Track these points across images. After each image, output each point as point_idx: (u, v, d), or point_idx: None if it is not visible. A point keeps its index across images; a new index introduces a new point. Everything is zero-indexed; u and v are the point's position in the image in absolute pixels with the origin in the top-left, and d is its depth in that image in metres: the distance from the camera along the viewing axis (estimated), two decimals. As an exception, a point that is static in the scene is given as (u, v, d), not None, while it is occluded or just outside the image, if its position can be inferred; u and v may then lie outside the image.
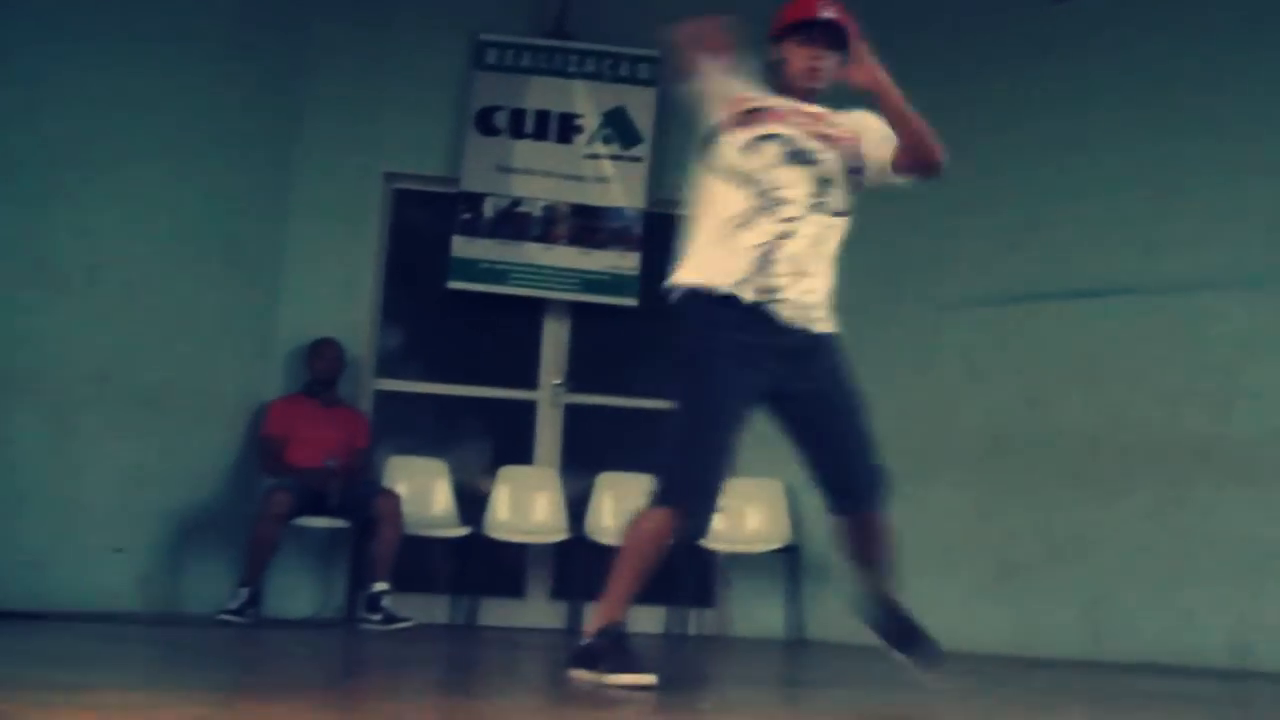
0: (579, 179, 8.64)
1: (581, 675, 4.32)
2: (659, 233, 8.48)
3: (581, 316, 8.77)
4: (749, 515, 8.31)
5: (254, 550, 7.30)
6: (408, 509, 7.67)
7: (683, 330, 4.37)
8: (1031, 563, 7.73)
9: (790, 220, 4.31)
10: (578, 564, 8.14)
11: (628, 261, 8.54)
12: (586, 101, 8.71)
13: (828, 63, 4.44)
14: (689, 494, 4.35)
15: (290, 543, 7.56)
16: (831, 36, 4.43)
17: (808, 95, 4.47)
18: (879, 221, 8.38)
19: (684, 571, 8.07)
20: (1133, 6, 7.92)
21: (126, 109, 7.59)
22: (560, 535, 8.20)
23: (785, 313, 4.30)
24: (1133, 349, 7.67)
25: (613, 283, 8.54)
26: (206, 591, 7.52)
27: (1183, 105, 7.71)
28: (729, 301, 4.29)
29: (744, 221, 4.30)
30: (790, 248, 4.30)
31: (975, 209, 8.20)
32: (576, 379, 8.73)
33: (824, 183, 4.38)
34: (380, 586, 7.38)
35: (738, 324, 4.28)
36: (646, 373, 8.87)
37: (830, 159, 4.40)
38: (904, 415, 8.10)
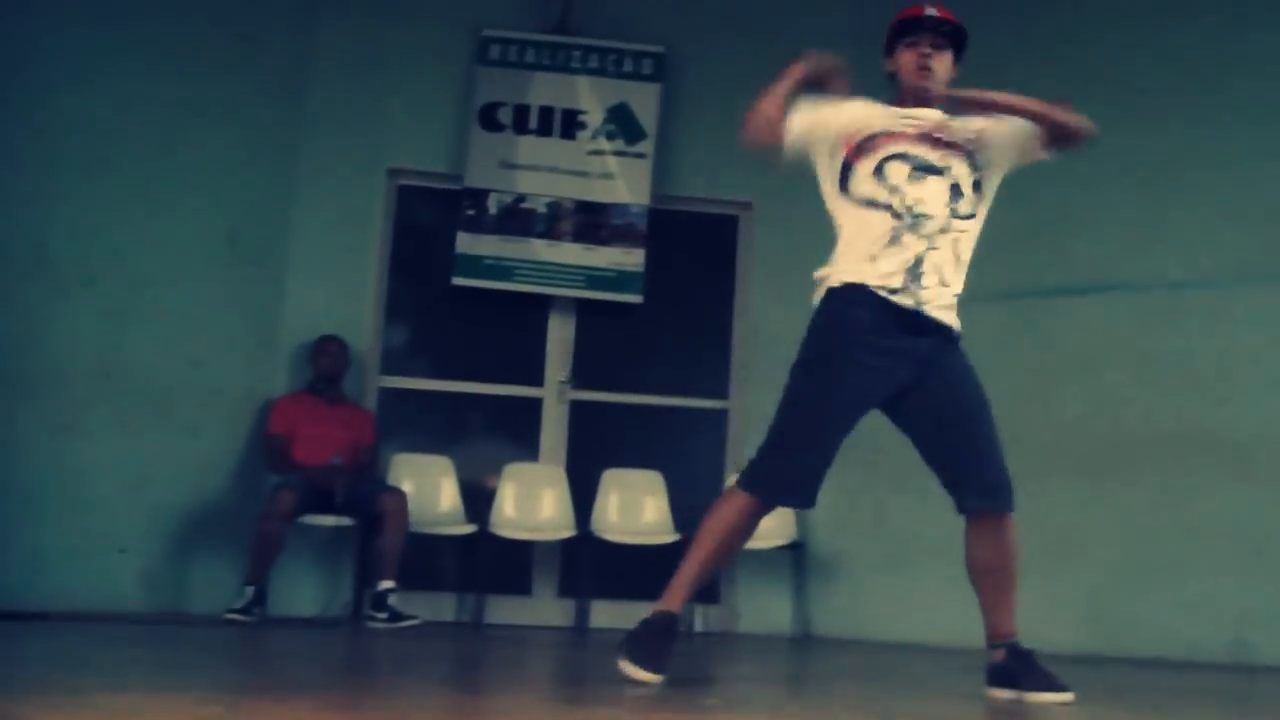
0: (583, 175, 8.63)
1: (624, 664, 4.31)
2: (663, 229, 8.50)
3: (586, 313, 8.76)
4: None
5: (259, 549, 7.29)
6: (413, 506, 7.67)
7: (818, 327, 4.41)
8: (1032, 557, 7.62)
9: (933, 234, 4.35)
10: (584, 561, 8.14)
11: (632, 258, 8.53)
12: (590, 97, 8.70)
13: (937, 60, 4.47)
14: (777, 489, 4.40)
15: (296, 541, 7.55)
16: (938, 33, 4.48)
17: (923, 99, 4.49)
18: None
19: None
20: (1133, 3, 7.89)
21: (128, 106, 7.61)
22: (567, 532, 8.20)
23: (929, 320, 4.35)
24: (1133, 344, 7.67)
25: (618, 279, 8.53)
26: (212, 591, 7.51)
27: (1182, 100, 7.71)
28: (874, 303, 4.32)
29: (892, 239, 4.33)
30: (934, 258, 4.35)
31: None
32: (582, 376, 8.72)
33: (955, 190, 4.42)
34: (386, 584, 7.38)
35: (875, 327, 4.31)
36: (652, 369, 8.87)
37: (955, 165, 4.44)
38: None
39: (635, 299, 8.54)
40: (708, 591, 8.41)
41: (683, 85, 8.72)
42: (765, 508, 4.43)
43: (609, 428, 8.80)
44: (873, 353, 4.31)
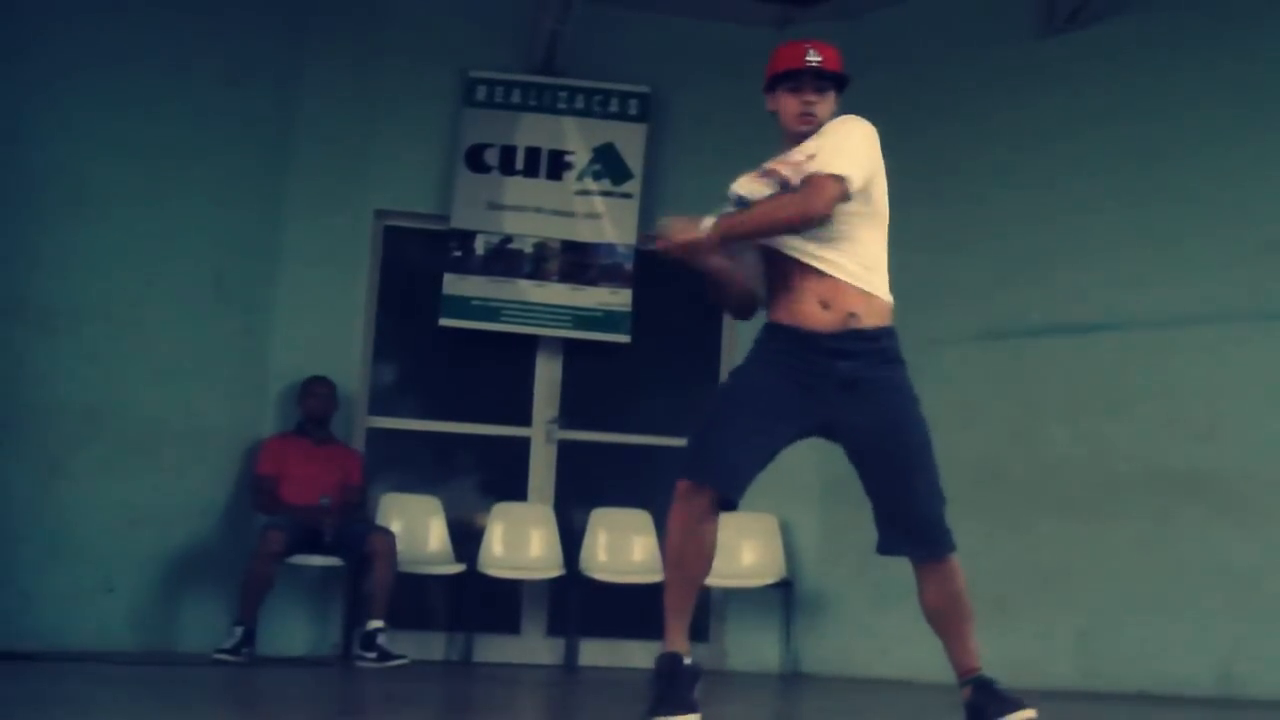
0: (570, 215, 8.66)
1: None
2: (650, 268, 8.52)
3: (574, 353, 8.79)
4: (744, 550, 8.32)
5: (248, 589, 7.28)
6: (402, 546, 7.67)
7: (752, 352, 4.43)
8: (1021, 594, 7.72)
9: (804, 267, 4.30)
10: (573, 600, 8.14)
11: (619, 298, 8.55)
12: (576, 138, 8.74)
13: (820, 106, 4.42)
14: (693, 468, 4.28)
15: (285, 581, 7.55)
16: (821, 79, 4.43)
17: (803, 138, 4.43)
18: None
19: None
20: (1118, 40, 7.95)
21: (116, 147, 7.64)
22: (555, 571, 8.20)
23: (839, 344, 4.30)
24: (1119, 383, 7.69)
25: (605, 319, 8.56)
26: (200, 630, 7.51)
27: (1168, 139, 7.74)
28: (788, 334, 4.32)
29: (772, 275, 4.37)
30: (815, 287, 4.30)
31: (965, 245, 8.24)
32: (569, 415, 8.74)
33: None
34: (375, 624, 7.37)
35: (789, 350, 4.31)
36: (640, 409, 8.89)
37: (763, 194, 4.39)
38: (896, 448, 8.13)
39: (622, 339, 8.56)
40: (697, 629, 8.39)
41: (669, 125, 8.77)
42: (692, 495, 4.25)
43: (597, 467, 8.81)
44: (787, 368, 4.30)
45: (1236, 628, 7.11)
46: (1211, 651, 7.14)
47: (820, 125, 4.40)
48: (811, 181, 4.20)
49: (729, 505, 4.30)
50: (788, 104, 4.43)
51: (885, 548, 4.40)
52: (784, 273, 4.33)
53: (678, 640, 4.36)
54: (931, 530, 4.32)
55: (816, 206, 4.18)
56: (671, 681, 4.26)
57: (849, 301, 4.31)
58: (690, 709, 4.24)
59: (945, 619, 4.42)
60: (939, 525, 4.33)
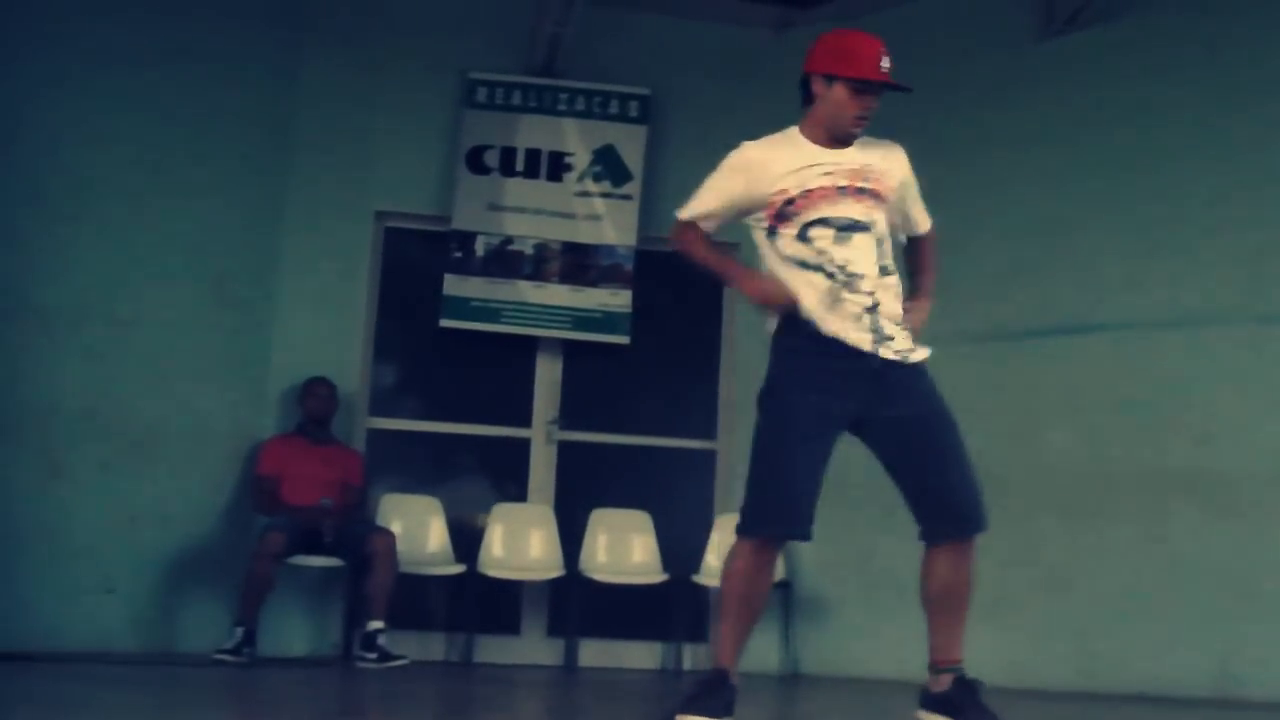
0: (570, 217, 8.67)
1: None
2: (650, 270, 8.53)
3: (574, 354, 8.80)
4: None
5: (249, 589, 7.29)
6: (402, 547, 7.68)
7: (770, 367, 4.43)
8: (1020, 595, 7.74)
9: (871, 291, 4.32)
10: (573, 600, 8.15)
11: (619, 299, 8.57)
12: (577, 139, 8.75)
13: (875, 110, 4.43)
14: (762, 522, 4.36)
15: (285, 582, 7.56)
16: (883, 88, 4.44)
17: (844, 140, 4.44)
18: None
19: (678, 607, 8.10)
20: (1116, 44, 7.97)
21: (115, 149, 7.65)
22: (555, 572, 8.21)
23: (892, 352, 4.35)
24: (1117, 384, 7.71)
25: (605, 320, 8.57)
26: (201, 631, 7.52)
27: (1166, 142, 7.76)
28: (823, 339, 4.31)
29: (832, 301, 4.31)
30: (880, 306, 4.34)
31: (963, 247, 8.21)
32: (570, 416, 8.75)
33: (879, 242, 4.39)
34: (376, 625, 7.37)
35: (822, 353, 4.31)
36: (640, 410, 8.91)
37: (879, 218, 4.40)
38: (895, 449, 8.15)
39: (623, 340, 8.57)
40: (696, 630, 8.43)
41: (669, 127, 8.78)
42: (764, 547, 4.38)
43: (597, 468, 8.82)
44: (815, 372, 4.31)
45: (1234, 628, 7.13)
46: (1209, 652, 7.16)
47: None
48: (933, 238, 4.81)
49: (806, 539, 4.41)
50: (847, 103, 4.39)
51: (933, 536, 4.43)
52: (860, 300, 4.32)
53: (731, 658, 4.44)
54: (976, 506, 4.40)
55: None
56: (713, 690, 4.34)
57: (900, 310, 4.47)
58: (725, 714, 4.31)
59: (952, 601, 4.47)
60: (979, 502, 4.41)
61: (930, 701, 4.42)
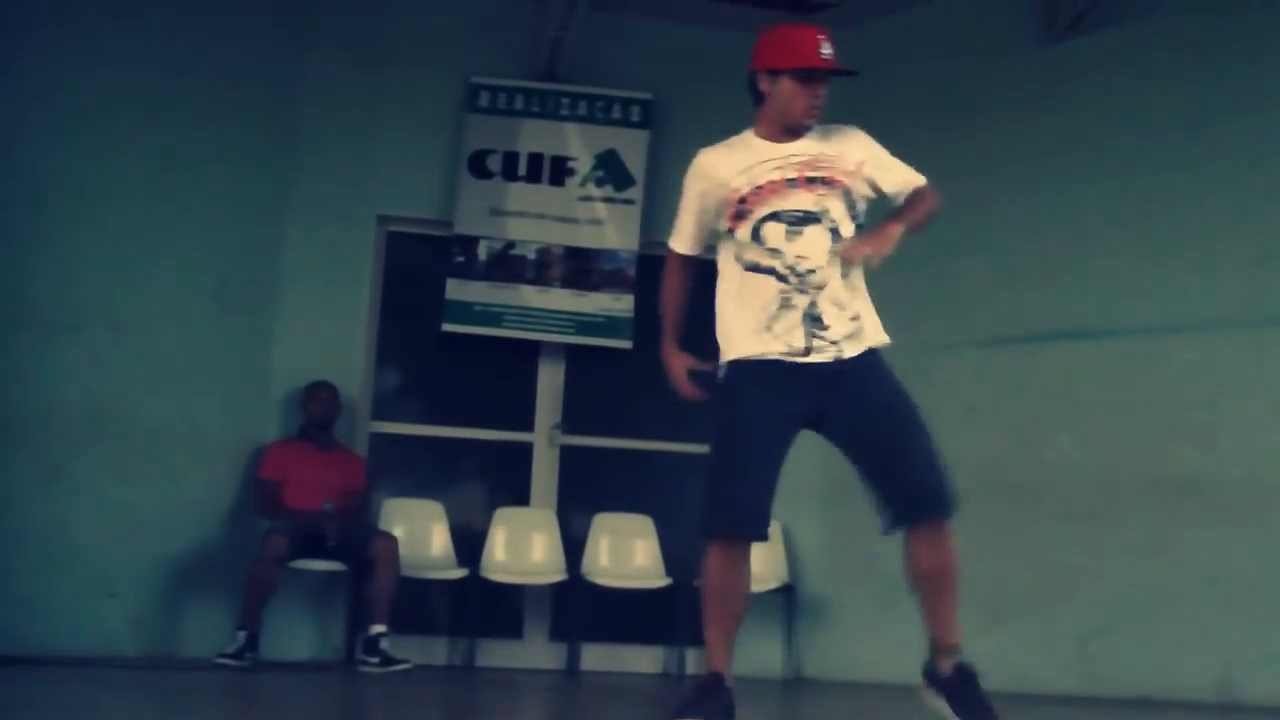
0: (572, 221, 8.68)
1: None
2: (653, 274, 8.50)
3: (576, 358, 8.80)
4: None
5: (251, 593, 7.29)
6: (405, 551, 7.68)
7: (719, 395, 4.49)
8: (1024, 599, 7.75)
9: (821, 285, 4.32)
10: (575, 605, 8.15)
11: (622, 303, 8.57)
12: (579, 144, 8.75)
13: (824, 98, 4.43)
14: (719, 525, 4.41)
15: (287, 586, 7.55)
16: (828, 74, 4.42)
17: (797, 131, 4.45)
18: (871, 264, 8.50)
19: (681, 611, 8.10)
20: (1119, 48, 7.97)
21: (116, 153, 7.66)
22: (558, 576, 8.21)
23: (831, 354, 4.34)
24: (1120, 388, 7.70)
25: (607, 325, 8.57)
26: (203, 635, 7.52)
27: (1168, 147, 7.76)
28: (770, 369, 4.36)
29: (783, 304, 4.34)
30: (825, 300, 4.33)
31: (966, 251, 8.24)
32: (572, 421, 8.75)
33: (834, 231, 4.36)
34: (378, 629, 7.38)
35: (772, 375, 4.35)
36: (642, 414, 8.90)
37: (833, 205, 4.38)
38: (898, 454, 8.14)
39: (625, 344, 8.57)
40: (698, 635, 8.39)
41: (671, 132, 8.77)
42: (730, 548, 4.41)
43: (599, 472, 8.82)
44: (764, 378, 4.36)
45: (1236, 633, 7.12)
46: (1211, 657, 7.15)
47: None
48: (927, 192, 4.52)
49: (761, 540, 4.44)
50: (794, 95, 4.40)
51: (891, 522, 4.36)
52: (806, 299, 4.35)
53: (723, 662, 4.49)
54: (938, 489, 4.31)
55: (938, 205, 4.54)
56: (710, 694, 4.40)
57: (854, 298, 4.44)
58: (718, 717, 4.35)
59: (936, 584, 4.37)
60: (944, 482, 4.32)
61: (933, 679, 4.41)
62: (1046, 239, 8.08)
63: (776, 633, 8.27)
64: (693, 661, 8.26)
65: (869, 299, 4.46)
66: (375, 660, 7.30)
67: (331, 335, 8.42)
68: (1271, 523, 7.16)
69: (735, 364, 4.45)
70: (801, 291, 4.32)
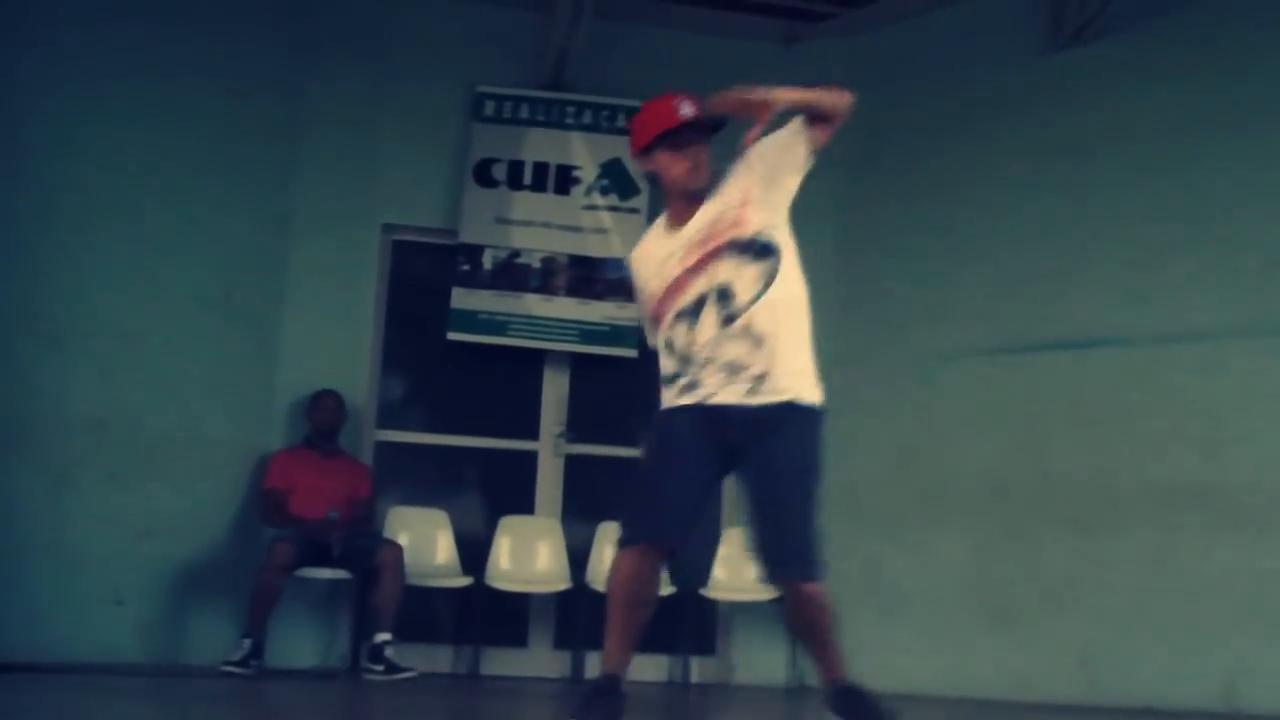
0: (577, 230, 8.70)
1: None
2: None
3: (581, 367, 8.81)
4: (750, 565, 8.32)
5: (256, 601, 7.30)
6: (409, 559, 7.69)
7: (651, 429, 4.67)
8: (1027, 607, 7.75)
9: (711, 359, 4.45)
10: (580, 613, 8.15)
11: (626, 312, 8.58)
12: (584, 153, 8.77)
13: (704, 155, 4.47)
14: (633, 531, 4.51)
15: (293, 593, 7.57)
16: (698, 130, 4.46)
17: (696, 196, 4.50)
18: (877, 273, 8.53)
19: (686, 620, 8.10)
20: (1123, 57, 7.98)
21: (122, 163, 7.65)
22: (562, 585, 8.22)
23: (736, 398, 4.43)
24: (1125, 397, 7.70)
25: (612, 333, 8.59)
26: (209, 643, 7.53)
27: (1172, 155, 7.76)
28: (688, 415, 4.51)
29: (689, 384, 4.51)
30: (719, 369, 4.44)
31: (971, 261, 8.27)
32: (577, 429, 8.76)
33: (723, 296, 4.43)
34: (383, 637, 7.39)
35: (692, 415, 4.50)
36: (646, 423, 8.90)
37: (722, 268, 4.43)
38: (902, 462, 8.17)
39: (630, 353, 8.58)
40: (703, 644, 8.44)
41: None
42: (643, 555, 4.49)
43: (604, 481, 8.82)
44: (691, 414, 4.50)
45: (1241, 643, 7.11)
46: (1216, 666, 7.14)
47: (710, 178, 4.49)
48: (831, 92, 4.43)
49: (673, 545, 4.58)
50: (671, 163, 4.47)
51: (768, 575, 4.49)
52: (697, 367, 4.53)
53: (623, 663, 4.54)
54: (802, 553, 4.43)
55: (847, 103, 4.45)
56: (603, 697, 4.45)
57: (775, 350, 4.50)
58: None
59: (807, 635, 4.63)
60: (809, 549, 4.44)
61: (832, 707, 4.56)
62: (1050, 248, 8.08)
63: (779, 641, 8.27)
64: (697, 670, 8.27)
65: (800, 357, 4.49)
66: (380, 668, 7.31)
67: (337, 344, 8.44)
68: (1276, 531, 7.16)
69: (662, 411, 4.61)
70: (700, 368, 4.46)
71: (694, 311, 4.44)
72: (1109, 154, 7.97)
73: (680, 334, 4.49)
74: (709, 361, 4.42)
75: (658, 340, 4.62)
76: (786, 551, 4.41)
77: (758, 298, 4.40)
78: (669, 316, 4.52)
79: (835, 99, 4.41)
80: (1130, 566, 7.49)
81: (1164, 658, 7.27)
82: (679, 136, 4.43)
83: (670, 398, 4.57)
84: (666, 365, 4.59)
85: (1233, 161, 7.58)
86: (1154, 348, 7.62)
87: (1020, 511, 7.89)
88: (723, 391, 4.41)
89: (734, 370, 4.40)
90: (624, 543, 4.50)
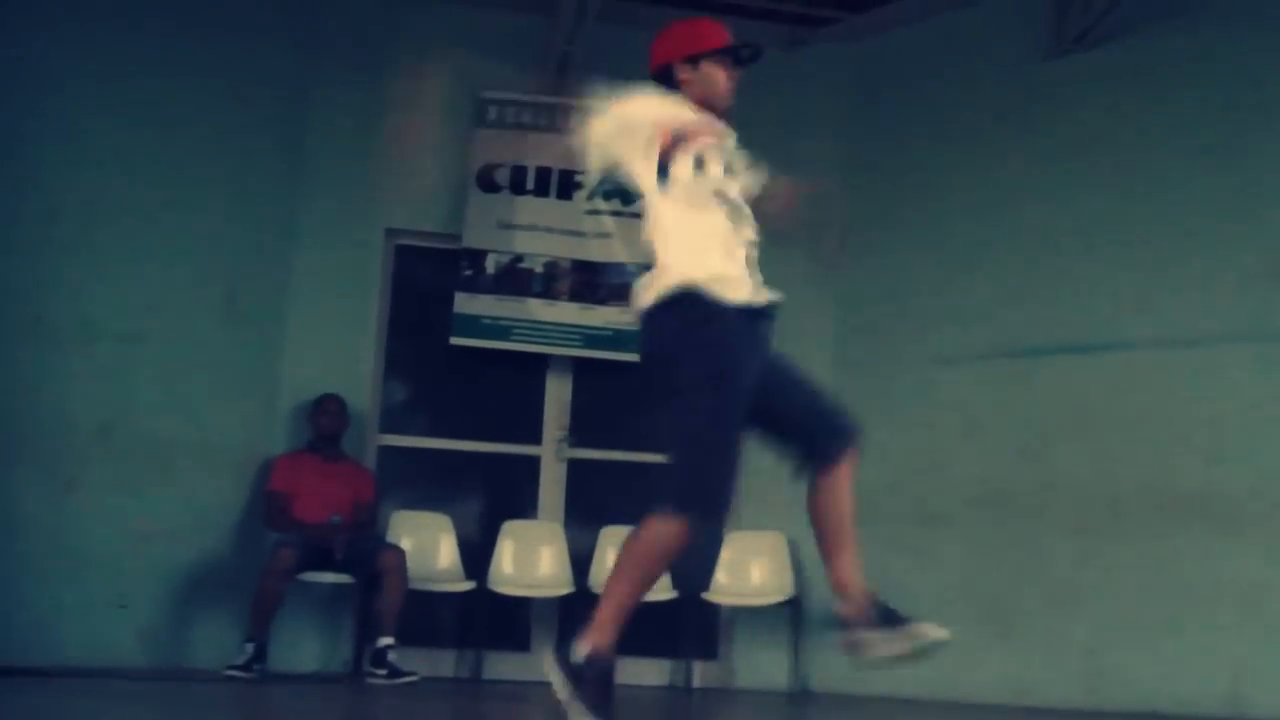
0: (580, 235, 8.70)
1: (558, 681, 4.20)
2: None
3: (584, 372, 8.82)
4: (752, 568, 8.35)
5: (259, 605, 7.31)
6: (412, 564, 7.70)
7: (684, 321, 4.31)
8: (1028, 612, 7.76)
9: (748, 219, 4.44)
10: (582, 617, 8.13)
11: (629, 317, 8.56)
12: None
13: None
14: (710, 508, 4.20)
15: (296, 598, 7.58)
16: (742, 60, 4.63)
17: (722, 113, 4.58)
18: (878, 277, 8.54)
19: (687, 624, 8.11)
20: (1125, 62, 7.98)
21: (126, 167, 7.67)
22: (565, 589, 8.23)
23: (759, 299, 4.35)
24: (1126, 402, 7.70)
25: (614, 338, 8.59)
26: (212, 646, 7.54)
27: (1174, 161, 7.76)
28: (726, 306, 4.27)
29: (733, 230, 4.38)
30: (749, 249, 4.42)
31: (972, 265, 8.27)
32: (579, 434, 8.77)
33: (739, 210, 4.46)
34: (386, 641, 7.39)
35: (735, 317, 4.26)
36: (649, 427, 8.91)
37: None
38: (903, 467, 8.17)
39: (632, 357, 8.54)
40: (706, 648, 8.45)
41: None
42: (688, 531, 4.19)
43: (607, 485, 8.82)
44: (744, 335, 4.28)
45: (1244, 647, 7.11)
46: (1219, 671, 7.14)
47: None
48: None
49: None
50: (719, 78, 4.60)
51: (811, 462, 4.32)
52: (746, 234, 4.41)
53: (610, 638, 4.28)
54: (843, 417, 4.36)
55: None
56: (608, 686, 4.19)
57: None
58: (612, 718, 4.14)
59: (840, 522, 4.37)
60: (843, 410, 4.38)
61: (842, 623, 4.37)
62: (1051, 252, 8.09)
63: (783, 645, 8.27)
64: (700, 674, 8.28)
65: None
66: (383, 672, 7.31)
67: (340, 348, 8.46)
68: (1278, 536, 7.17)
69: (718, 306, 4.28)
70: (739, 222, 4.43)
71: (727, 167, 4.45)
72: (1110, 159, 7.98)
73: (715, 168, 4.42)
74: (749, 225, 4.41)
75: (684, 163, 4.42)
76: (838, 411, 4.37)
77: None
78: (697, 146, 4.43)
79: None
80: (1132, 572, 7.49)
81: (1167, 664, 7.27)
82: (735, 55, 4.59)
83: (716, 274, 4.30)
84: (703, 224, 4.40)
85: (1236, 167, 7.58)
86: (1156, 353, 7.62)
87: (1022, 517, 7.89)
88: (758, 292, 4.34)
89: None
90: (681, 507, 4.15)
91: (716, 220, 4.36)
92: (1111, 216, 7.93)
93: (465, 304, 8.54)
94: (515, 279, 8.62)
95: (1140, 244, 7.81)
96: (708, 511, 4.19)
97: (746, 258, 4.35)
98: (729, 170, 4.44)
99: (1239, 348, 7.41)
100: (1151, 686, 7.29)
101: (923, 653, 4.20)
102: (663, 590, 8.13)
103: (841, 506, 4.35)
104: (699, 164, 4.39)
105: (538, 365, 8.81)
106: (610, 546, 8.38)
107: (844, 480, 4.34)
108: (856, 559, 4.41)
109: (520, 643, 8.49)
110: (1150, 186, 7.81)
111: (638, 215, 8.65)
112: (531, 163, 8.75)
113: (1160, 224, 7.76)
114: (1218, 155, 7.64)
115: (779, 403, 4.33)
